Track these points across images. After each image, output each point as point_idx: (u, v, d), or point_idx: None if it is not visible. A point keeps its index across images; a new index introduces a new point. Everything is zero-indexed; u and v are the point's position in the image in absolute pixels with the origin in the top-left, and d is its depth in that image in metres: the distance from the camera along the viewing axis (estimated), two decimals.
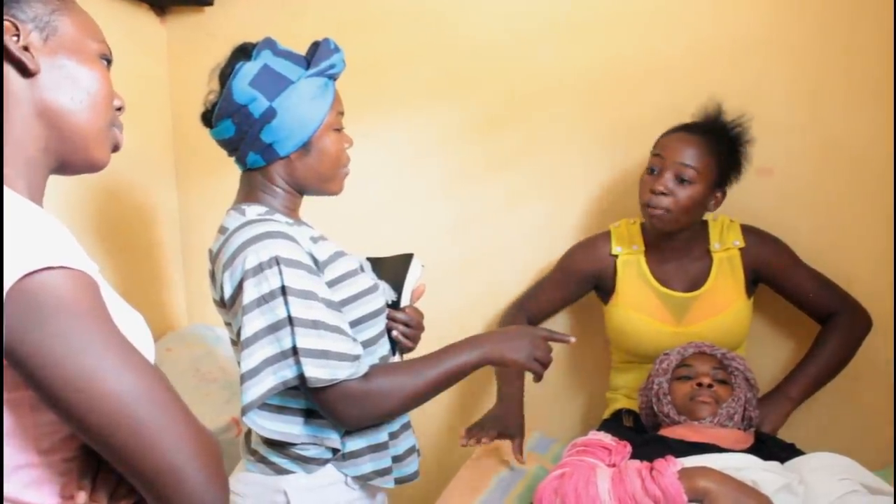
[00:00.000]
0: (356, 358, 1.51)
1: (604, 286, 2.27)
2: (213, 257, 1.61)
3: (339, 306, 1.55)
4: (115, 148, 1.14)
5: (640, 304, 2.18)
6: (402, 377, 1.55)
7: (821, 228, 2.27)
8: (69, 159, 1.08)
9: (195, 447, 0.96)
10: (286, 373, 1.49)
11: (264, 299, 1.48)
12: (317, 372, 1.46)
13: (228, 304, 1.54)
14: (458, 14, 2.52)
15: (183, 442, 0.95)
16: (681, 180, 2.03)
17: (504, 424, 2.03)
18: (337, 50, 1.62)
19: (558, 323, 2.47)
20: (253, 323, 1.48)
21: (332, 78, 1.62)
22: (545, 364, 1.64)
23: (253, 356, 1.48)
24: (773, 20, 2.25)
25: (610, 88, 2.40)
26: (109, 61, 1.13)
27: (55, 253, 0.90)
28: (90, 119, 1.08)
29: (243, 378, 1.48)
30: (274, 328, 1.48)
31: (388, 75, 2.58)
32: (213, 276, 1.63)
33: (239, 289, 1.49)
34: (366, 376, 1.52)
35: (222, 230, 1.60)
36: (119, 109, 1.14)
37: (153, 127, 2.78)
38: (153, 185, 2.78)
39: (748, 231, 2.18)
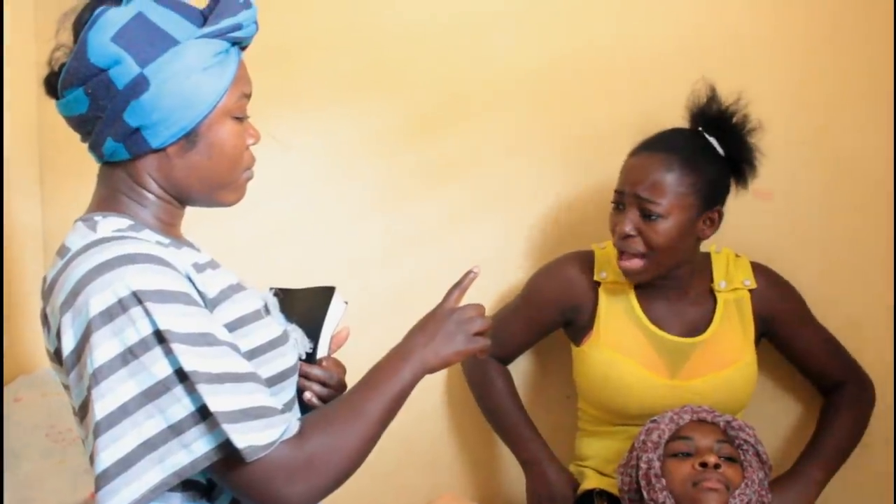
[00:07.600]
0: (282, 411, 1.23)
1: (578, 321, 1.99)
2: (47, 291, 1.24)
3: (240, 351, 1.22)
4: None
5: (626, 347, 1.91)
6: (346, 425, 1.28)
7: (829, 264, 2.12)
8: None
9: None
10: (179, 458, 1.14)
11: (132, 353, 1.13)
12: (250, 438, 1.15)
13: (69, 363, 1.16)
14: None
15: None
16: (647, 216, 1.77)
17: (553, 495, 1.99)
18: (247, 6, 1.29)
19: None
20: (117, 391, 1.12)
21: (237, 44, 1.30)
22: (485, 331, 1.40)
23: (121, 440, 1.12)
24: (776, 13, 2.13)
25: (576, 86, 2.23)
26: None
27: None
28: None
29: (106, 476, 1.11)
30: (152, 394, 1.13)
31: (301, 64, 2.33)
32: (45, 318, 1.26)
33: (85, 342, 1.13)
34: (300, 437, 1.23)
35: (62, 251, 1.25)
36: None
37: (12, 111, 2.43)
38: (10, 193, 2.45)
39: (760, 270, 1.97)
